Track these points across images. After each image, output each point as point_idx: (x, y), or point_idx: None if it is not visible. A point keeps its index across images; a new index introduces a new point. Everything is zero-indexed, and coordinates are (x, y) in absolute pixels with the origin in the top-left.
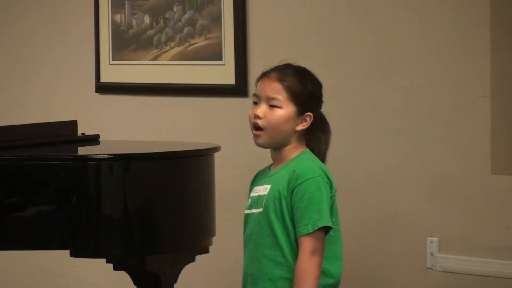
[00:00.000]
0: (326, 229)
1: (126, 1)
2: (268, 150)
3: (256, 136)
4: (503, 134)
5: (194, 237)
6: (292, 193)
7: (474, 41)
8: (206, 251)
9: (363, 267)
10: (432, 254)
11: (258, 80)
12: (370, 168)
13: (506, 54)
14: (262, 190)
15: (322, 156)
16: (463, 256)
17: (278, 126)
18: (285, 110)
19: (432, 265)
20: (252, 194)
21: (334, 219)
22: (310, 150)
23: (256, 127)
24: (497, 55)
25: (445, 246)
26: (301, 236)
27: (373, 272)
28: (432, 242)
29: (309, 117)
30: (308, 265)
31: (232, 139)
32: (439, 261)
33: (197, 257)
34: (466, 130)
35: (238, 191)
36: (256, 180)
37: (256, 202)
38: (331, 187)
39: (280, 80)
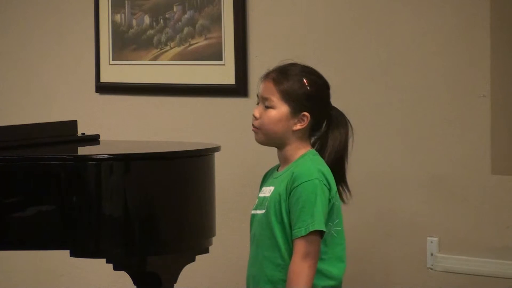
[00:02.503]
0: (321, 232)
1: (126, 1)
2: (269, 150)
3: (254, 133)
4: (503, 134)
5: (194, 237)
6: (289, 195)
7: (474, 41)
8: (206, 251)
9: (363, 267)
10: (432, 254)
11: (260, 80)
12: (370, 168)
13: (506, 54)
14: (268, 191)
15: (333, 156)
16: (463, 256)
17: (271, 126)
18: (277, 110)
19: (432, 265)
20: (260, 195)
21: (337, 220)
22: (317, 150)
23: (254, 127)
24: (497, 55)
25: (445, 246)
26: (295, 238)
27: (373, 272)
28: (432, 242)
29: (306, 117)
30: (299, 268)
31: (232, 139)
32: (439, 261)
33: (197, 257)
34: (466, 130)
35: (238, 191)
36: (265, 179)
37: (261, 203)
38: (330, 189)
39: (275, 80)
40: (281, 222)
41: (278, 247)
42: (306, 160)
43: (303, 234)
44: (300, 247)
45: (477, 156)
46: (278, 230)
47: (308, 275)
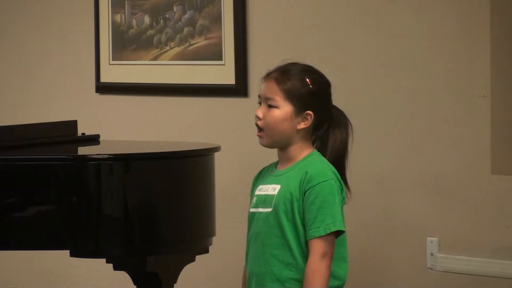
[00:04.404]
0: (337, 233)
1: (126, 1)
2: (269, 150)
3: (259, 138)
4: (503, 134)
5: (194, 237)
6: (304, 195)
7: (474, 41)
8: (206, 251)
9: (363, 267)
10: (432, 254)
11: (261, 80)
12: (370, 168)
13: (506, 54)
14: (270, 189)
15: (334, 154)
16: (463, 256)
17: (276, 126)
18: (281, 110)
19: (432, 265)
20: (258, 193)
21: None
22: (317, 149)
23: (258, 128)
24: (497, 55)
25: (445, 246)
26: (312, 238)
27: (373, 272)
28: (432, 242)
29: (309, 116)
30: (318, 267)
31: (232, 139)
32: (439, 261)
33: (197, 257)
34: (466, 130)
35: (238, 191)
36: (260, 177)
37: (263, 201)
38: (342, 190)
39: (278, 80)
40: (293, 221)
41: (289, 246)
42: (315, 160)
43: (322, 234)
44: (318, 247)
45: (477, 156)
46: (289, 229)
47: (326, 275)
